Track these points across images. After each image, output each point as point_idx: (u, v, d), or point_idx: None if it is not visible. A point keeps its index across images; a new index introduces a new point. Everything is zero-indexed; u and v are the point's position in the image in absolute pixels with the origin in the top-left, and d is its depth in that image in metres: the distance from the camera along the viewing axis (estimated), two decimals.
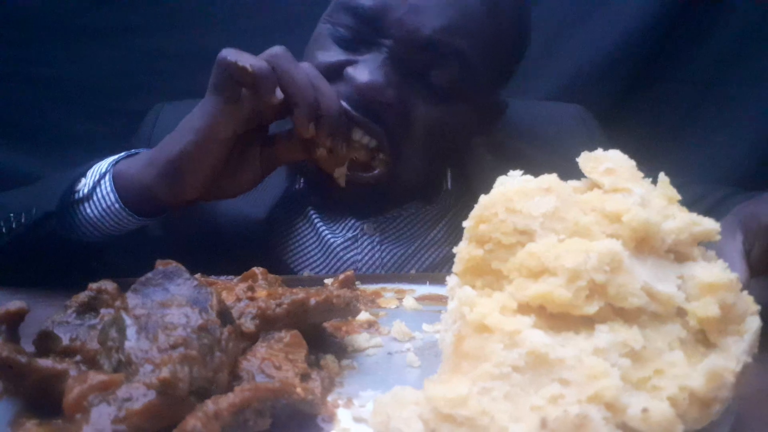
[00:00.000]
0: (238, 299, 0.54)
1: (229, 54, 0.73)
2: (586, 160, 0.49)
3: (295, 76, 0.74)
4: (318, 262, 1.00)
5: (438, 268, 1.02)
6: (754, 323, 0.42)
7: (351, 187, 0.86)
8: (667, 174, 0.48)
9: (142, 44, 1.40)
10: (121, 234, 0.82)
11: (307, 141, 0.78)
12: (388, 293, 0.77)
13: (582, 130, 1.13)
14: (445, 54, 0.85)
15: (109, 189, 0.78)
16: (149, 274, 0.50)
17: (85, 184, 0.79)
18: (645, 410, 0.37)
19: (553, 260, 0.43)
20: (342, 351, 0.58)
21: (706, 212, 0.47)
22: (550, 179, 0.47)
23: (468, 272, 0.47)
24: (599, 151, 0.49)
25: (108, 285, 0.51)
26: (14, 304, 0.46)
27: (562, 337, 0.41)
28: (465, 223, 0.47)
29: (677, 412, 0.38)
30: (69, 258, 0.79)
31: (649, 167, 0.50)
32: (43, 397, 0.43)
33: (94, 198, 0.78)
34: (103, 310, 0.49)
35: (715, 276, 0.43)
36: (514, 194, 0.46)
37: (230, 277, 0.69)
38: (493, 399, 0.39)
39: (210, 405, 0.39)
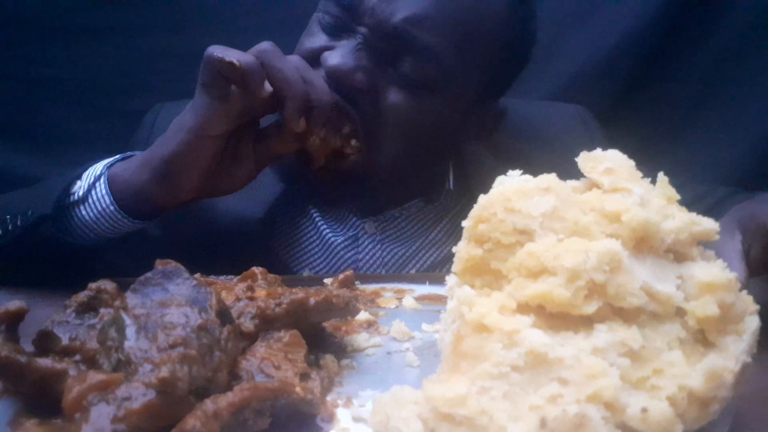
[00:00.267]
0: (238, 299, 0.54)
1: (216, 50, 0.73)
2: (586, 159, 0.49)
3: (284, 70, 0.74)
4: (319, 261, 1.00)
5: (439, 268, 1.02)
6: (753, 323, 0.42)
7: (326, 174, 0.86)
8: (666, 174, 0.48)
9: (142, 44, 1.40)
10: (117, 236, 0.82)
11: (299, 132, 0.78)
12: (388, 293, 0.77)
13: (582, 130, 1.13)
14: (414, 45, 0.84)
15: (104, 191, 0.78)
16: (149, 274, 0.50)
17: (80, 187, 0.79)
18: (644, 410, 0.37)
19: (552, 260, 0.43)
20: (341, 351, 0.58)
21: (706, 212, 0.47)
22: (550, 179, 0.47)
23: (467, 272, 0.47)
24: (598, 151, 0.49)
25: (107, 285, 0.51)
26: (14, 303, 0.46)
27: (561, 336, 0.41)
28: (464, 223, 0.47)
29: (676, 411, 0.38)
30: (66, 260, 0.79)
31: (648, 167, 0.50)
32: (42, 396, 0.43)
33: (90, 201, 0.79)
34: (102, 310, 0.50)
35: (714, 276, 0.43)
36: (513, 194, 0.46)
37: (230, 276, 0.69)
38: (492, 398, 0.39)
39: (209, 404, 0.39)
